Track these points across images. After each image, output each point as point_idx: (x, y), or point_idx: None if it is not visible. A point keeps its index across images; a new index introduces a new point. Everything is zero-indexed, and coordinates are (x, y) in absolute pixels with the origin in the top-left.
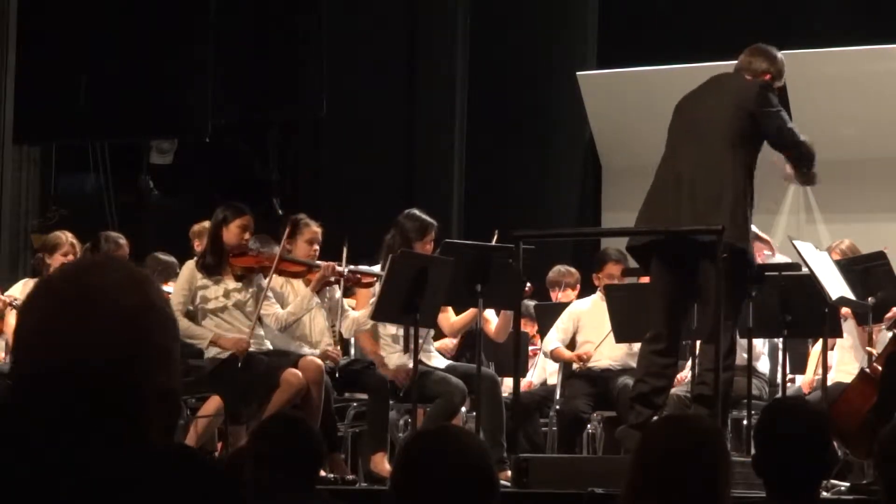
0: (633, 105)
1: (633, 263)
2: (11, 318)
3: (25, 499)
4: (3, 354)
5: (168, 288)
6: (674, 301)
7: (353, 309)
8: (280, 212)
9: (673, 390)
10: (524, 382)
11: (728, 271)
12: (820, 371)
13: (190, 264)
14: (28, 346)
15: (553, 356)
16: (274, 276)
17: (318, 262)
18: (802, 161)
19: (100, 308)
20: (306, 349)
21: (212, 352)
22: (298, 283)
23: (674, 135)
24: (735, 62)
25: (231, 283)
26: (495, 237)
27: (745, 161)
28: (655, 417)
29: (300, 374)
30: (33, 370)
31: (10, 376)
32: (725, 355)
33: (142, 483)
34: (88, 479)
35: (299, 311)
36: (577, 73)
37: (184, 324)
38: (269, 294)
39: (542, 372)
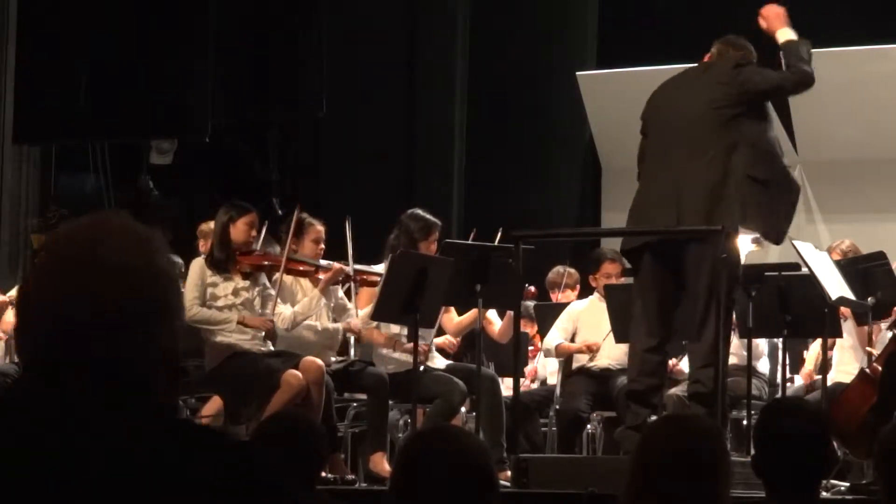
0: (633, 105)
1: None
2: (9, 316)
3: (39, 473)
4: (2, 353)
5: None
6: (665, 299)
7: (355, 307)
8: (280, 212)
9: (673, 390)
10: (528, 369)
11: (716, 268)
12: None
13: (199, 261)
14: (29, 308)
15: (558, 352)
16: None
17: (326, 261)
18: (796, 85)
19: (98, 269)
20: (310, 336)
21: (212, 352)
22: (306, 282)
23: (659, 134)
24: None
25: (240, 282)
26: (499, 236)
27: (746, 143)
28: (654, 417)
29: (300, 375)
30: (40, 334)
31: (18, 344)
32: (715, 350)
33: (158, 453)
34: (102, 451)
35: (307, 312)
36: (577, 73)
37: (206, 313)
38: (272, 293)
39: (542, 370)
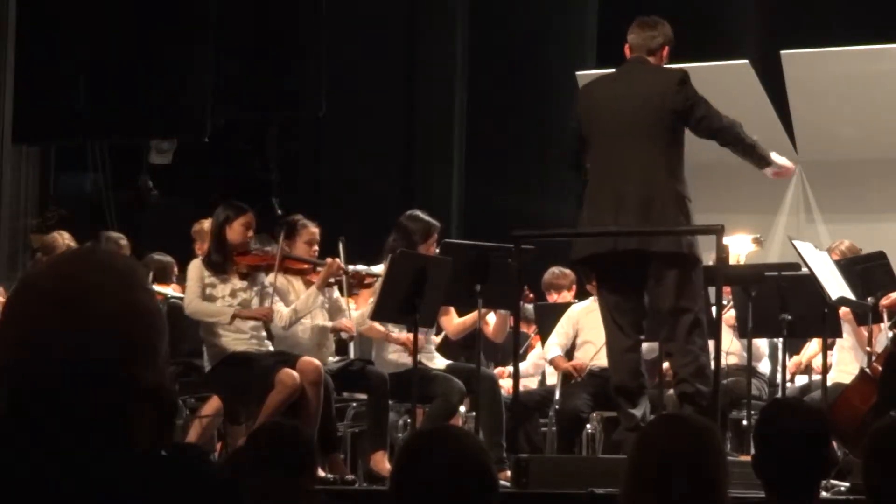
0: None
1: None
2: None
3: None
4: None
5: (163, 289)
6: (627, 301)
7: (355, 309)
8: (279, 212)
9: (672, 390)
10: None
11: (688, 277)
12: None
13: (197, 262)
14: (9, 344)
15: (553, 364)
16: (278, 274)
17: (322, 260)
18: (733, 144)
19: (81, 311)
20: (302, 335)
21: (210, 353)
22: (298, 283)
23: (601, 137)
24: (735, 62)
25: (237, 283)
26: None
27: (680, 158)
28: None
29: (295, 374)
30: (14, 368)
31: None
32: (697, 348)
33: (129, 488)
34: (75, 486)
35: (304, 309)
36: (577, 73)
37: (202, 306)
38: (270, 291)
39: (534, 369)
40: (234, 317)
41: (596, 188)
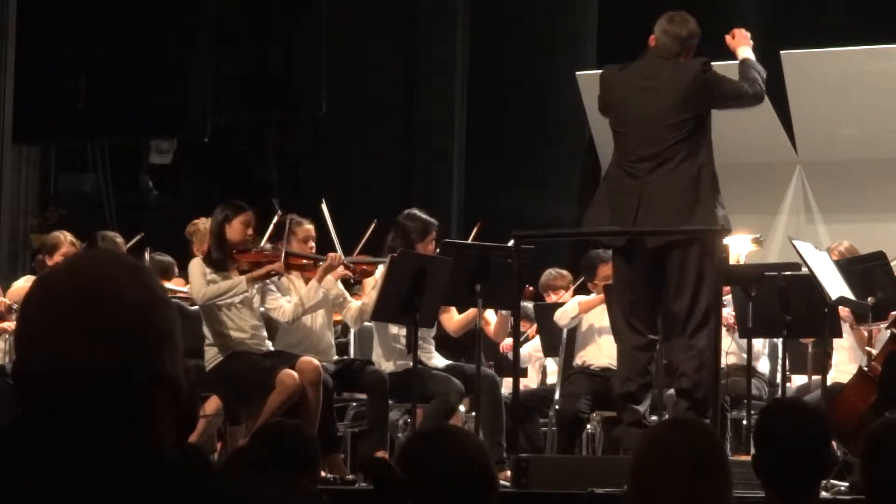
0: None
1: None
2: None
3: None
4: (1, 354)
5: (166, 286)
6: (640, 299)
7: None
8: (279, 212)
9: (672, 390)
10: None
11: (705, 266)
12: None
13: (198, 260)
14: (28, 346)
15: (582, 307)
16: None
17: (323, 255)
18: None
19: (101, 305)
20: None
21: (211, 352)
22: (299, 281)
23: (622, 132)
24: (735, 62)
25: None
26: (475, 231)
27: (706, 144)
28: (653, 417)
29: (295, 374)
30: (35, 370)
31: (13, 376)
32: (705, 349)
33: (145, 489)
34: (94, 484)
35: (307, 302)
36: (577, 73)
37: (213, 288)
38: (273, 288)
39: (529, 359)
40: (248, 280)
41: (619, 184)
